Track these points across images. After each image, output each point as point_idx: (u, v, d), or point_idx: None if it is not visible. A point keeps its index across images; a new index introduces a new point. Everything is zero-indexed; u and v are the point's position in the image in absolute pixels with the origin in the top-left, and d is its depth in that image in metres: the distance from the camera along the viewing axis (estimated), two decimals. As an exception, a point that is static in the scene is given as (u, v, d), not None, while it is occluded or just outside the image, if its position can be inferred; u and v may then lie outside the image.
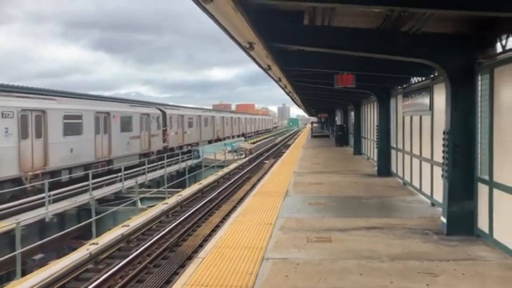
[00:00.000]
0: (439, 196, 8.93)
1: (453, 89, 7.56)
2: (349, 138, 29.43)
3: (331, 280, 5.56)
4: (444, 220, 7.74)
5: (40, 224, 13.60)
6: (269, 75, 12.75)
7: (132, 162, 23.84)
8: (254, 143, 50.69)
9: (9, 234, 11.52)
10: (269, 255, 6.64)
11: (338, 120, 37.13)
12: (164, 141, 30.34)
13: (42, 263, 12.46)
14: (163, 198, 17.44)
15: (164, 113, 31.08)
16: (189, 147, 33.97)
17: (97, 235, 12.42)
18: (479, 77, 7.30)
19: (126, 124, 24.97)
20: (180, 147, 33.00)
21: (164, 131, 30.52)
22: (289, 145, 42.96)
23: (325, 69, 11.43)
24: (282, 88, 20.23)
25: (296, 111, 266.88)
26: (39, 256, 14.41)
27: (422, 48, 7.61)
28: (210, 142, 41.29)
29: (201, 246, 11.36)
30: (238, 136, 56.24)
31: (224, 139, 46.80)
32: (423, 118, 11.00)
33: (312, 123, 62.64)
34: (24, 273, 11.00)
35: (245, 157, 35.58)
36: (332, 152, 26.38)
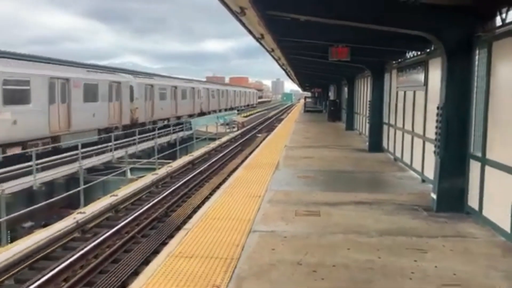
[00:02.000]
0: (430, 172, 8.88)
1: (449, 63, 7.38)
2: (341, 113, 29.29)
3: (318, 254, 5.50)
4: (434, 196, 7.69)
5: (28, 192, 13.45)
6: (262, 45, 12.45)
7: None
8: (247, 116, 50.46)
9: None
10: (256, 227, 6.56)
11: (332, 95, 36.91)
12: None
13: (32, 231, 12.42)
14: (154, 169, 17.31)
15: None
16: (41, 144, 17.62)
17: (87, 205, 12.31)
18: (477, 51, 7.12)
19: None
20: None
21: None
22: (282, 119, 42.79)
23: (320, 40, 11.15)
24: (276, 60, 19.89)
25: (290, 86, 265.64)
26: (28, 224, 14.36)
27: (420, 20, 7.38)
28: (108, 131, 22.49)
29: (190, 217, 11.26)
30: (191, 115, 37.01)
31: (154, 122, 28.70)
32: (416, 93, 10.85)
33: (305, 98, 62.40)
34: (14, 240, 10.95)
35: (238, 130, 35.41)
36: (325, 127, 26.28)
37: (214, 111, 45.08)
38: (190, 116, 36.44)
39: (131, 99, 26.03)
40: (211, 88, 47.51)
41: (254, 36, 10.21)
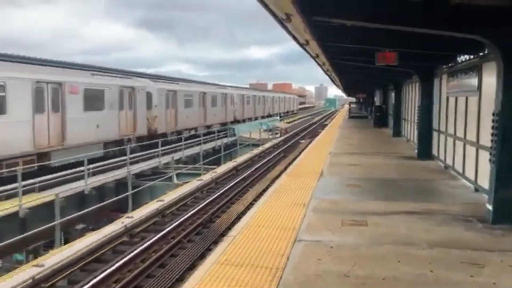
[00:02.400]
0: (484, 181, 8.46)
1: (506, 68, 7.00)
2: (388, 119, 28.58)
3: (366, 266, 5.33)
4: (489, 207, 7.30)
5: (80, 196, 13.99)
6: (307, 51, 12.35)
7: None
8: (290, 122, 50.31)
9: (52, 205, 11.85)
10: (301, 236, 6.47)
11: (377, 100, 36.10)
12: None
13: (83, 233, 12.92)
14: (199, 175, 17.58)
15: None
16: None
17: (134, 209, 12.66)
18: (537, 55, 6.72)
19: None
20: None
21: None
22: (325, 125, 42.33)
23: (366, 45, 10.92)
24: (320, 66, 19.71)
25: (334, 91, 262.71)
26: (80, 226, 14.93)
27: (474, 23, 7.05)
28: (119, 144, 19.98)
29: (234, 223, 11.36)
30: (223, 124, 33.38)
31: (178, 133, 25.70)
32: (469, 99, 10.39)
33: (350, 103, 61.48)
34: (67, 241, 11.44)
35: (280, 136, 35.36)
36: (370, 133, 25.72)
37: (250, 119, 41.85)
38: (222, 125, 33.42)
39: (149, 106, 22.86)
40: (246, 94, 43.54)
41: (298, 42, 10.14)
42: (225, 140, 27.28)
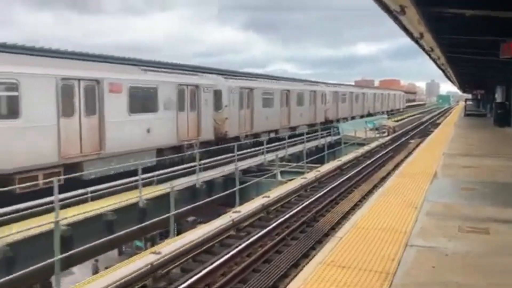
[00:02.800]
0: None
1: None
2: (511, 117, 25.83)
3: (488, 278, 4.84)
4: None
5: (191, 190, 14.87)
6: (420, 46, 11.65)
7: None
8: (398, 121, 48.00)
9: (167, 197, 12.75)
10: (413, 241, 6.11)
11: (499, 97, 32.83)
12: None
13: (194, 225, 13.74)
14: (302, 173, 17.61)
15: None
16: None
17: (241, 204, 13.12)
18: None
19: None
20: None
21: None
22: (438, 124, 39.64)
23: (488, 36, 9.96)
24: (434, 61, 18.48)
25: (447, 87, 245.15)
26: (191, 218, 15.81)
27: None
28: (178, 150, 17.23)
29: (338, 223, 11.19)
30: (312, 125, 29.89)
31: (255, 136, 22.99)
32: None
33: (466, 100, 56.85)
34: (179, 232, 12.27)
35: (388, 135, 33.94)
36: (490, 132, 23.47)
37: (345, 119, 37.64)
38: (311, 126, 29.55)
39: (218, 107, 19.97)
40: (342, 91, 38.52)
41: (411, 36, 9.60)
42: (328, 139, 26.94)
